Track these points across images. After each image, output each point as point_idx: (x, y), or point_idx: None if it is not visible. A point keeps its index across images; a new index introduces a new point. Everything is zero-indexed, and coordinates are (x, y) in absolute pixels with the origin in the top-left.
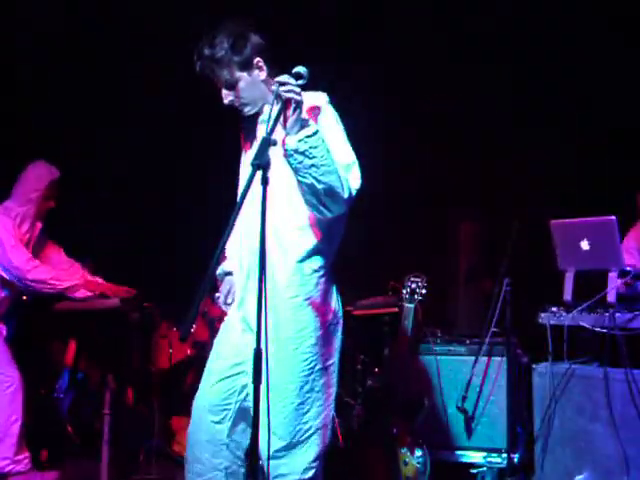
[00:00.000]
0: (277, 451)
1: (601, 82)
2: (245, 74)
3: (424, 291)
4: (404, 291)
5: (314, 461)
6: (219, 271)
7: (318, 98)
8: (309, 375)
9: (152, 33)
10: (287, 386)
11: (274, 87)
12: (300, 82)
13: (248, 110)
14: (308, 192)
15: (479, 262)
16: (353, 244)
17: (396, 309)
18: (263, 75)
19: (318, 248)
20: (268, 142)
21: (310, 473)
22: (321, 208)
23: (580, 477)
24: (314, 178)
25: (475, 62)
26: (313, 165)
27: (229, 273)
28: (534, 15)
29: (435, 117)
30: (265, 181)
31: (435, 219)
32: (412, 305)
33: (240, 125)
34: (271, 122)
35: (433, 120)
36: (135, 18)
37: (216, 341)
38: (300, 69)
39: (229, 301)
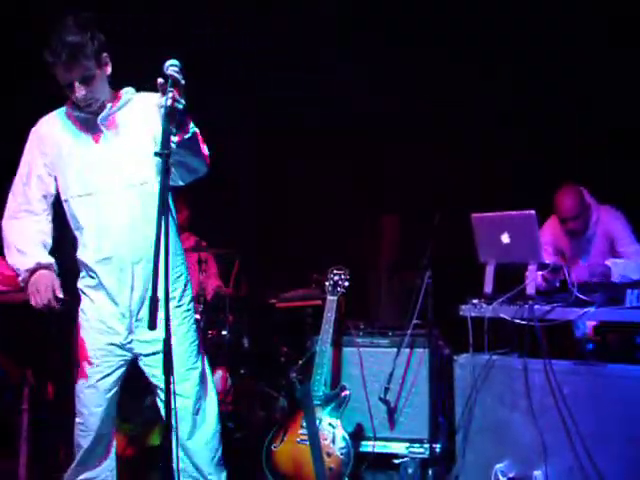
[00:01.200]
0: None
1: (601, 82)
2: (99, 70)
3: (347, 284)
4: (327, 284)
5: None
6: (31, 265)
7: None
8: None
9: (151, 34)
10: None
11: (171, 72)
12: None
13: (96, 106)
14: (176, 173)
15: (402, 254)
16: (279, 237)
17: (319, 302)
18: (109, 71)
19: (174, 230)
20: (169, 132)
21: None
22: (179, 182)
23: (500, 465)
24: (185, 167)
25: (475, 62)
26: (187, 159)
27: (45, 267)
28: (534, 15)
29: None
30: (167, 170)
31: (357, 211)
32: (334, 298)
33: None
34: (167, 113)
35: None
36: (133, 20)
37: (93, 349)
38: (174, 62)
39: (61, 296)
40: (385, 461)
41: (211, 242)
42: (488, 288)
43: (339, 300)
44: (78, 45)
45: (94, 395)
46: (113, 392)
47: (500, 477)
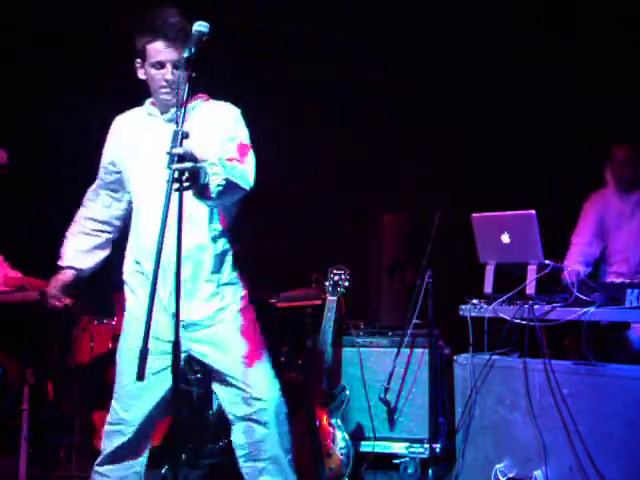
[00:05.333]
0: None
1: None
2: None
3: (347, 283)
4: (327, 283)
5: None
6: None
7: None
8: None
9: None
10: None
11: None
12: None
13: (173, 99)
14: None
15: (403, 254)
16: (277, 237)
17: (319, 301)
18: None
19: None
20: (183, 134)
21: None
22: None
23: (500, 465)
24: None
25: (475, 61)
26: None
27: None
28: (533, 14)
29: (434, 115)
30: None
31: (357, 211)
32: (335, 297)
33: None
34: (181, 114)
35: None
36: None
37: None
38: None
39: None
40: (385, 461)
41: None
42: (488, 288)
43: (339, 300)
44: (183, 28)
45: None
46: None
47: (500, 477)
